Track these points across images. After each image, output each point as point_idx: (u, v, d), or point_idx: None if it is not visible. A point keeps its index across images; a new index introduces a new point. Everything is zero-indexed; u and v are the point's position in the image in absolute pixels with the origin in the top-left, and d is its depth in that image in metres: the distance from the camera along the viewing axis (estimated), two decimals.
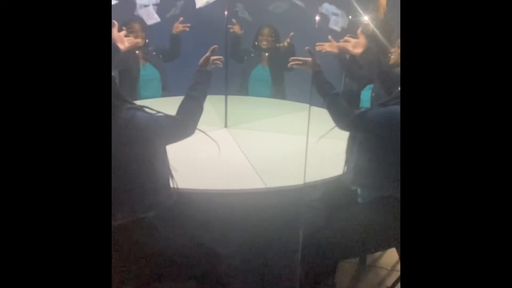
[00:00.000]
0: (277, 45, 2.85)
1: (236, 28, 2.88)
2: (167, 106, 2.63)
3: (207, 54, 1.46)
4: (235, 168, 1.64)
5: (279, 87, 2.99)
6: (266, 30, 2.93)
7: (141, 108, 1.26)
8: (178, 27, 2.77)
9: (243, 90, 2.98)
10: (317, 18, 1.62)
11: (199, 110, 1.37)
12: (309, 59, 1.56)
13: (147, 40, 2.74)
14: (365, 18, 2.90)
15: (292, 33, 2.78)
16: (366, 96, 2.31)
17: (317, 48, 2.22)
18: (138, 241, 1.26)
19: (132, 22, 2.64)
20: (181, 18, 2.73)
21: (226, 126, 2.20)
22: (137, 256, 1.26)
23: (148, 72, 2.78)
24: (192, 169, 1.61)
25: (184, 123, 1.32)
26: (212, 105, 2.60)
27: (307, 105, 2.67)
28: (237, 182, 1.51)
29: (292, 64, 1.64)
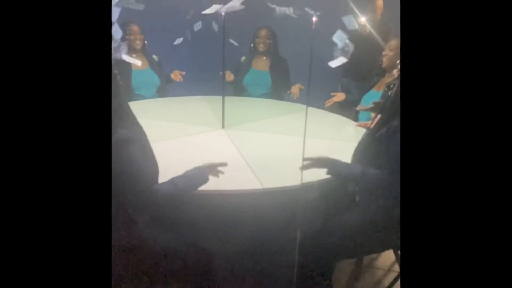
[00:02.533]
0: (288, 91, 2.82)
1: (228, 75, 2.80)
2: (162, 107, 2.64)
3: (215, 163, 1.39)
4: (232, 169, 1.64)
5: (278, 89, 2.97)
6: (263, 32, 2.85)
7: (138, 140, 1.22)
8: (177, 75, 2.79)
9: (238, 93, 2.94)
10: (314, 19, 1.62)
11: (175, 200, 1.29)
12: (318, 159, 1.46)
13: (146, 42, 2.73)
14: (362, 19, 2.91)
15: (302, 87, 2.78)
16: (369, 100, 2.31)
17: (327, 105, 2.47)
18: (134, 243, 1.25)
19: (130, 24, 2.63)
20: (184, 72, 2.79)
21: (223, 127, 2.20)
22: (134, 257, 1.26)
23: (147, 75, 2.74)
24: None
25: (157, 200, 1.23)
26: (209, 106, 2.61)
27: (304, 106, 2.67)
28: (234, 182, 1.51)
29: (305, 168, 1.49)
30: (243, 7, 1.68)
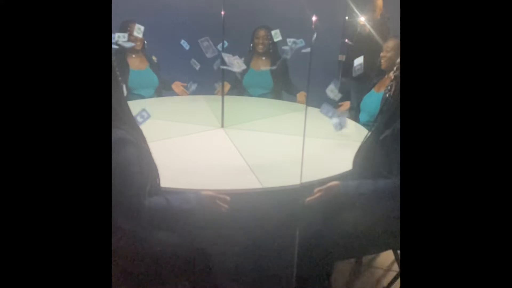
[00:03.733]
0: (294, 98, 2.85)
1: (225, 86, 2.80)
2: (162, 106, 2.63)
3: (217, 195, 1.32)
4: (232, 168, 1.64)
5: (278, 89, 2.96)
6: (261, 32, 2.83)
7: (135, 141, 1.20)
8: (178, 87, 2.78)
9: (238, 93, 2.94)
10: (314, 18, 1.62)
11: (166, 215, 1.26)
12: (328, 187, 1.42)
13: (145, 42, 2.72)
14: (362, 19, 2.91)
15: (305, 94, 2.80)
16: (370, 101, 2.31)
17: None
18: (133, 244, 1.25)
19: (131, 24, 2.63)
20: (186, 84, 2.80)
21: (222, 126, 2.20)
22: (132, 257, 1.26)
23: (146, 76, 2.73)
24: (188, 169, 1.61)
25: (148, 211, 1.20)
26: (208, 105, 2.61)
27: (303, 105, 2.68)
28: (233, 182, 1.51)
29: (316, 198, 1.44)
30: (240, 70, 1.67)
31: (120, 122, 1.17)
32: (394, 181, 1.34)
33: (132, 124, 1.25)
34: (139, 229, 1.27)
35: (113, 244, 1.17)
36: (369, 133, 1.50)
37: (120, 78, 1.22)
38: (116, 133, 1.14)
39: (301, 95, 2.81)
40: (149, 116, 1.76)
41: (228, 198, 1.33)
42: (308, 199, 1.41)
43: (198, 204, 1.29)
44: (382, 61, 2.26)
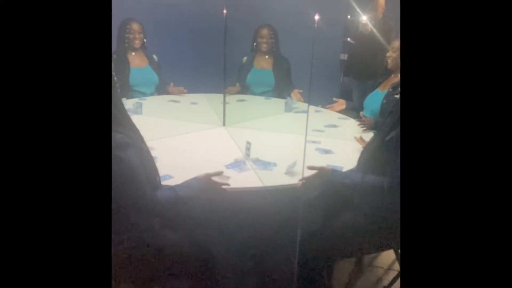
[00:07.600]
0: (290, 97, 2.82)
1: (236, 88, 2.87)
2: (164, 105, 2.63)
3: (210, 173, 1.38)
4: (233, 167, 1.64)
5: (280, 88, 2.96)
6: (265, 31, 2.83)
7: (135, 144, 1.21)
8: (174, 91, 2.77)
9: (240, 92, 2.95)
10: (316, 17, 1.61)
11: (175, 206, 1.30)
12: (318, 168, 1.45)
13: (145, 40, 2.72)
14: (363, 18, 2.91)
15: (301, 91, 2.78)
16: (374, 100, 2.31)
17: (328, 109, 2.52)
18: (134, 244, 1.25)
19: (130, 22, 2.63)
20: (182, 88, 2.79)
21: (224, 124, 2.20)
22: (134, 257, 1.26)
23: (146, 73, 2.73)
24: (190, 168, 1.61)
25: (158, 205, 1.24)
26: (210, 104, 2.61)
27: (305, 104, 2.67)
28: (235, 180, 1.51)
29: (306, 181, 1.46)
30: None
31: (118, 126, 1.17)
32: (380, 179, 1.35)
33: (130, 126, 1.25)
34: (143, 228, 1.27)
35: (115, 246, 1.18)
36: (376, 133, 1.50)
37: (115, 78, 1.21)
38: (116, 138, 1.14)
39: (295, 94, 2.80)
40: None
41: (222, 171, 1.41)
42: (300, 179, 1.44)
43: (199, 188, 1.33)
44: (388, 61, 2.25)
